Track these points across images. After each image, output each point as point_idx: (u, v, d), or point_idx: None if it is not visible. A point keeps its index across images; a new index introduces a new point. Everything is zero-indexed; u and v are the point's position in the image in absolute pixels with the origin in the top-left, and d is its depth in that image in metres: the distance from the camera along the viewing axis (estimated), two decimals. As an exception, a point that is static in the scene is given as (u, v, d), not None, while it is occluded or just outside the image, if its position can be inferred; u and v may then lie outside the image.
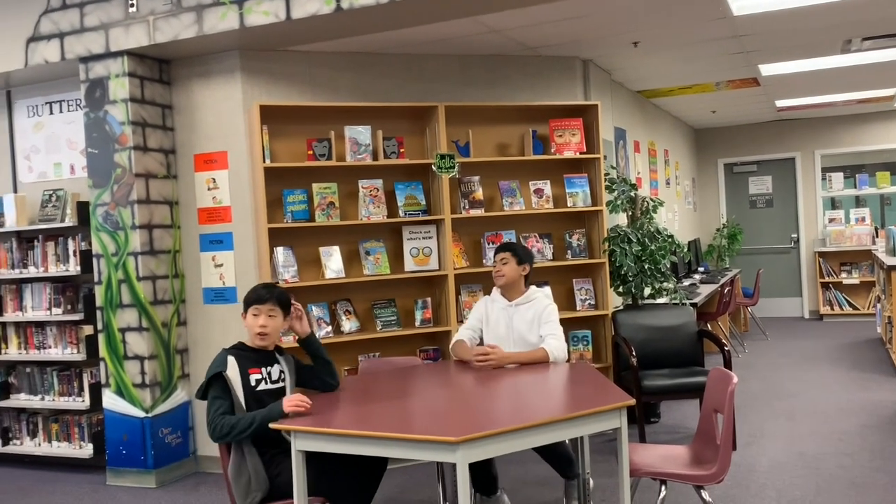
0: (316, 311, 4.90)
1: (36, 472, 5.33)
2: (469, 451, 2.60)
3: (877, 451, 4.69)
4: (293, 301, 3.40)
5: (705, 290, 7.39)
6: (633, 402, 2.95)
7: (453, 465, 2.65)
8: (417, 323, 5.13)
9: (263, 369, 3.25)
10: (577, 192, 5.49)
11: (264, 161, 4.70)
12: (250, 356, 3.26)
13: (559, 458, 3.82)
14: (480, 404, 3.21)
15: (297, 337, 3.47)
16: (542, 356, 3.76)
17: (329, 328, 4.91)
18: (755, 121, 10.88)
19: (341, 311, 4.99)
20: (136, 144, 4.88)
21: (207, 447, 5.06)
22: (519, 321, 3.98)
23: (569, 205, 5.47)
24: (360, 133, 4.96)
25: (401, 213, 5.09)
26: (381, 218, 5.01)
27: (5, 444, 5.51)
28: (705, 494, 3.17)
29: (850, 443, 4.90)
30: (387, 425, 2.83)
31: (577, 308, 5.48)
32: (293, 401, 3.02)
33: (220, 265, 5.04)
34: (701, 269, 9.49)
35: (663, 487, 3.20)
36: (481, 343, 4.05)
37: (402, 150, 5.09)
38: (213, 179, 5.04)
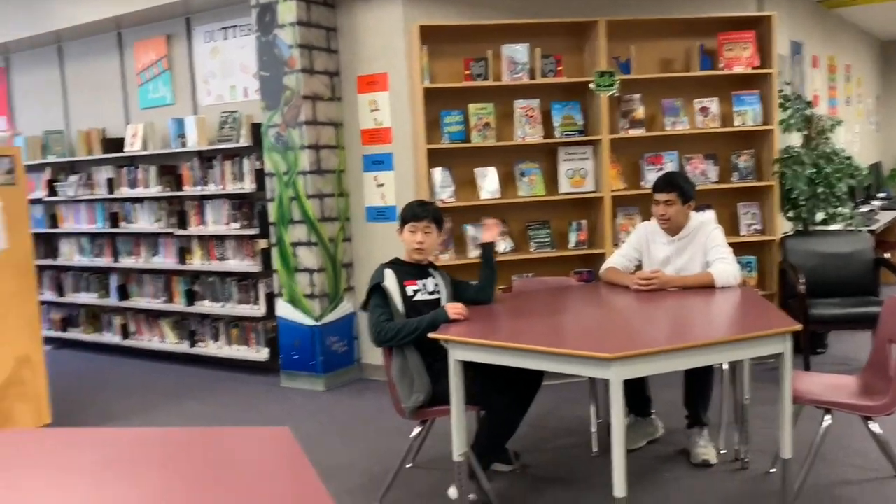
0: (471, 230, 5.00)
1: (219, 371, 5.88)
2: (623, 368, 2.62)
3: None
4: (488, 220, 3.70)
5: (885, 218, 6.85)
6: (799, 327, 2.83)
7: (606, 383, 2.67)
8: (571, 245, 5.13)
9: (419, 281, 3.39)
10: (746, 111, 5.19)
11: (423, 82, 4.77)
12: (406, 270, 3.40)
13: (703, 396, 3.72)
14: (636, 324, 3.20)
15: (480, 242, 3.68)
16: (708, 280, 3.61)
17: (484, 247, 4.99)
18: (957, 30, 9.75)
19: (497, 230, 5.06)
20: (303, 67, 5.09)
21: (371, 356, 5.37)
22: (682, 256, 3.79)
23: (736, 124, 5.19)
24: (518, 52, 4.91)
25: (557, 133, 5.03)
26: (536, 138, 4.98)
27: (192, 345, 6.10)
28: (874, 427, 3.03)
29: None
30: (541, 340, 2.89)
31: (742, 233, 5.26)
32: (456, 308, 3.15)
33: (382, 185, 5.23)
34: (881, 194, 8.78)
35: (827, 417, 3.08)
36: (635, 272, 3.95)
37: (559, 69, 5.00)
38: (375, 101, 5.18)
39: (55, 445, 2.16)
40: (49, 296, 7.00)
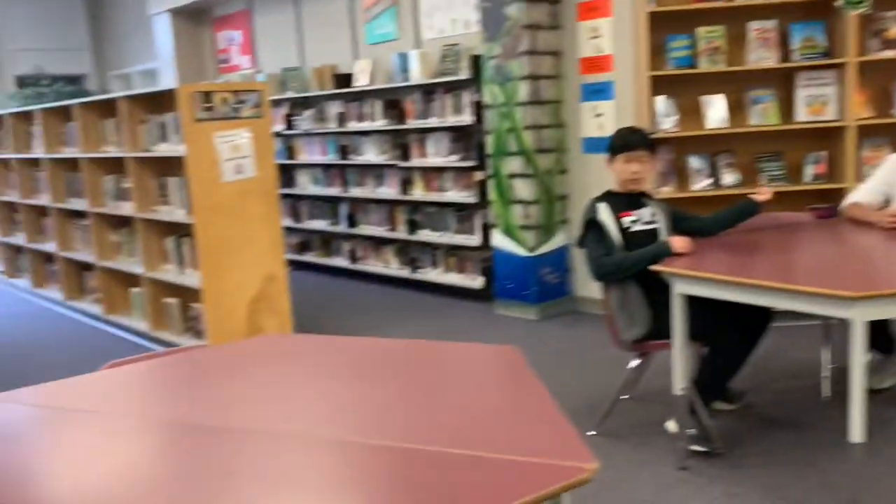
0: (695, 162, 4.79)
1: (437, 297, 6.17)
2: (867, 308, 2.43)
3: None
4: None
5: None
6: None
7: (843, 325, 2.50)
8: (807, 179, 4.76)
9: (635, 212, 3.30)
10: None
11: (649, 5, 4.57)
12: (620, 201, 3.31)
13: None
14: (882, 264, 2.94)
15: (751, 197, 3.49)
16: None
17: (709, 181, 4.78)
18: None
19: (722, 163, 4.81)
20: (524, -4, 5.06)
21: (584, 288, 5.38)
22: None
23: None
24: (755, -32, 4.55)
25: (795, 56, 4.64)
26: (771, 63, 4.63)
27: (413, 271, 6.43)
28: None
29: None
30: (773, 276, 2.74)
31: None
32: (682, 241, 3.06)
33: (600, 115, 5.13)
34: None
35: None
36: (883, 208, 3.61)
37: (802, -15, 4.57)
38: (596, 28, 5.05)
39: (307, 348, 2.40)
40: (287, 222, 7.65)
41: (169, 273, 5.13)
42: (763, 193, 3.46)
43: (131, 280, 5.65)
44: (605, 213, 3.26)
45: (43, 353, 5.40)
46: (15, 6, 10.42)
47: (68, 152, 6.14)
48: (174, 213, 4.92)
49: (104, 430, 1.82)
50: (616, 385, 3.43)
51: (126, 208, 5.39)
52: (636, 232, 3.28)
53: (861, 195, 3.64)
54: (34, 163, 6.81)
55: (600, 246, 3.21)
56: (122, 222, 5.71)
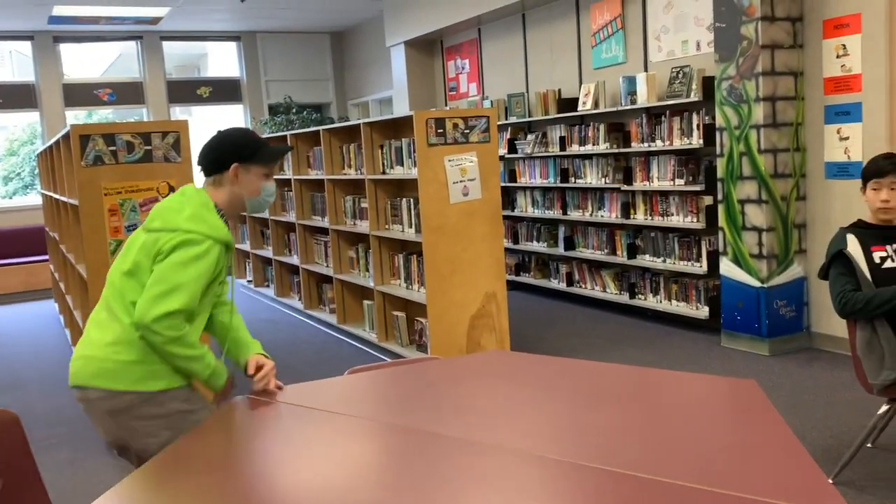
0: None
1: (656, 324, 6.00)
2: None
3: None
4: None
5: None
6: None
7: None
8: None
9: (889, 247, 3.03)
10: None
11: (908, 19, 4.19)
12: (872, 233, 3.06)
13: None
14: None
15: None
16: None
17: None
18: None
19: None
20: (763, 14, 4.83)
21: (823, 324, 4.99)
22: None
23: None
24: None
25: None
26: None
27: (632, 297, 6.31)
28: None
29: None
30: None
31: None
32: None
33: (846, 138, 4.76)
34: None
35: None
36: None
37: None
38: (843, 46, 4.71)
39: (530, 366, 2.45)
40: (506, 243, 7.82)
41: (398, 288, 5.44)
42: None
43: (364, 293, 6.07)
44: (853, 245, 3.02)
45: (285, 356, 5.92)
46: (270, 42, 11.60)
47: (314, 174, 6.73)
48: (405, 231, 5.22)
49: (345, 430, 1.98)
50: (858, 431, 3.16)
51: (362, 226, 5.80)
52: (889, 269, 3.01)
53: None
54: (285, 183, 7.52)
55: (848, 280, 2.98)
56: (359, 239, 6.14)
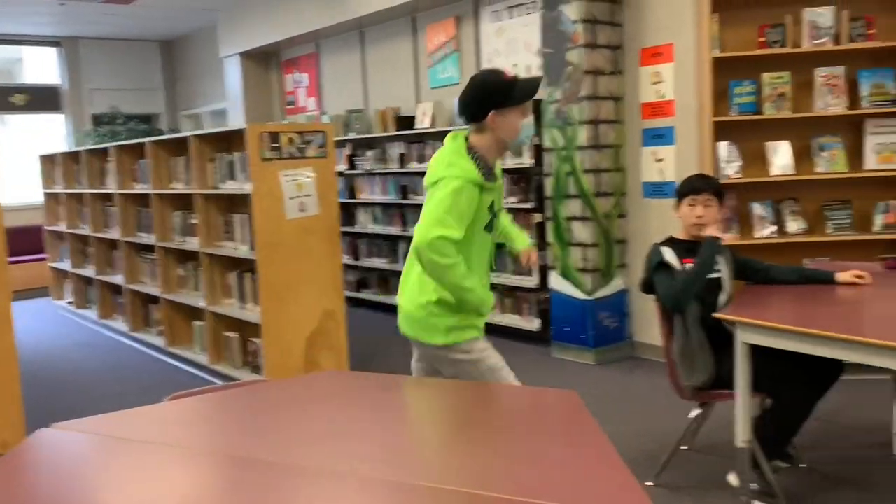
0: (759, 209, 4.71)
1: (493, 338, 6.10)
2: (944, 364, 2.34)
3: None
4: None
5: None
6: None
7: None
8: (877, 228, 4.63)
9: (698, 259, 3.27)
10: None
11: (713, 51, 4.55)
12: (684, 247, 3.29)
13: None
14: (959, 318, 2.83)
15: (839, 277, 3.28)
16: None
17: (773, 228, 4.69)
18: None
19: (787, 210, 4.72)
20: (586, 42, 5.10)
21: (643, 333, 5.30)
22: None
23: None
24: (822, 15, 4.51)
25: (864, 103, 4.56)
26: (839, 109, 4.55)
27: (470, 312, 6.42)
28: None
29: None
30: (839, 326, 2.66)
31: None
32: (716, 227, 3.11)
33: (661, 160, 5.10)
34: None
35: None
36: None
37: (870, 32, 4.51)
38: (658, 73, 5.06)
39: (364, 386, 2.42)
40: (346, 259, 7.75)
41: (231, 307, 5.24)
42: (850, 278, 3.28)
43: (194, 313, 5.79)
44: (670, 257, 3.23)
45: (107, 382, 5.54)
46: (94, 49, 10.93)
47: (139, 188, 6.37)
48: (238, 248, 5.04)
49: (164, 461, 1.86)
50: (675, 435, 3.36)
51: (192, 243, 5.55)
52: (699, 280, 3.24)
53: None
54: (107, 198, 7.07)
55: (672, 281, 3.18)
56: (188, 257, 5.87)
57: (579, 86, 5.15)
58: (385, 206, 7.38)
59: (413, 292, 2.76)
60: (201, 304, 5.46)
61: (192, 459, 1.87)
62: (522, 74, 5.85)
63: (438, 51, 6.70)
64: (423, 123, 6.66)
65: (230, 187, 5.08)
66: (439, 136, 6.62)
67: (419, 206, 6.82)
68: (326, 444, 1.89)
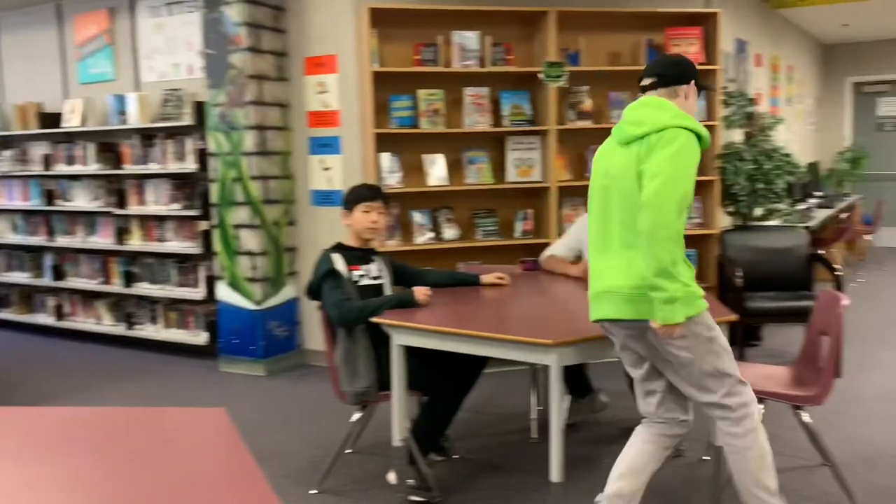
0: (418, 217, 4.98)
1: (156, 354, 5.75)
2: (563, 353, 2.64)
3: None
4: None
5: (821, 215, 7.05)
6: (734, 317, 2.89)
7: (548, 369, 2.69)
8: (518, 234, 5.15)
9: (363, 266, 3.36)
10: (690, 106, 5.27)
11: (372, 65, 4.72)
12: (351, 254, 3.37)
13: None
14: (577, 312, 3.22)
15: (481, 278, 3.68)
16: None
17: (431, 234, 4.99)
18: (891, 36, 10.07)
19: (443, 218, 5.06)
20: (250, 45, 4.99)
21: (313, 341, 5.32)
22: None
23: (680, 119, 5.26)
24: (468, 39, 4.89)
25: (506, 122, 5.04)
26: (485, 127, 4.98)
27: (129, 327, 5.95)
28: (805, 416, 3.11)
29: (966, 379, 4.68)
30: (484, 326, 2.89)
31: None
32: (424, 291, 3.18)
33: (328, 168, 5.17)
34: (819, 193, 9.03)
35: (760, 406, 3.15)
36: (576, 262, 3.99)
37: (509, 58, 5.00)
38: (323, 83, 5.11)
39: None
40: (-21, 274, 6.75)
41: None
42: (493, 279, 3.65)
43: None
44: (340, 264, 3.27)
45: None
46: None
47: None
48: None
49: None
50: (341, 439, 3.39)
51: None
52: (364, 286, 3.32)
53: (556, 249, 4.00)
54: None
55: (341, 291, 3.20)
56: None
57: (244, 90, 5.02)
58: (27, 214, 6.55)
59: (637, 268, 2.43)
60: None
61: None
62: (184, 75, 5.58)
63: (89, 43, 6.11)
64: (71, 122, 6.02)
65: None
66: (92, 136, 6.04)
67: (68, 214, 6.18)
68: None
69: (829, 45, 10.65)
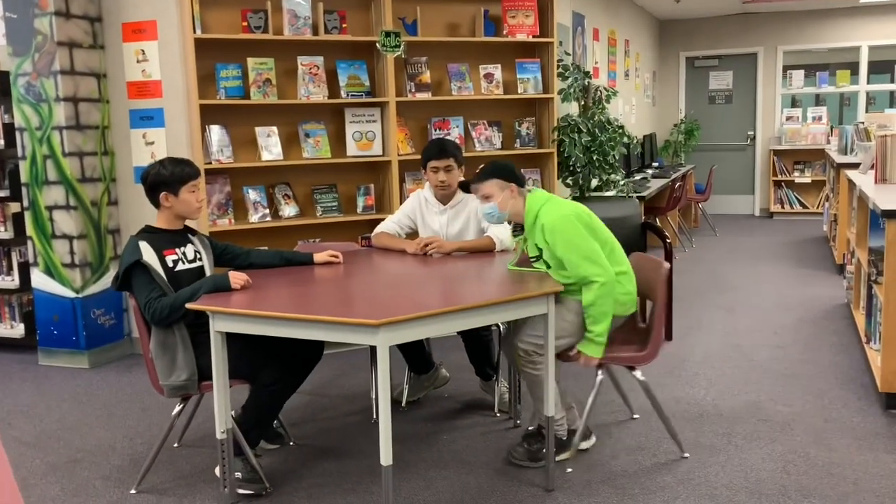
0: (252, 194, 4.74)
1: (-34, 351, 5.22)
2: (390, 333, 2.54)
3: (809, 344, 4.79)
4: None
5: (656, 185, 7.35)
6: (561, 288, 2.90)
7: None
8: (359, 209, 5.02)
9: (178, 249, 3.12)
10: (528, 79, 5.30)
11: (195, 32, 4.41)
12: (163, 237, 3.12)
13: (482, 354, 3.81)
14: (410, 289, 3.14)
15: (314, 257, 3.53)
16: (488, 243, 3.65)
17: (266, 212, 4.76)
18: (720, 13, 10.62)
19: (280, 195, 4.84)
20: (57, 10, 4.54)
21: (142, 329, 4.97)
22: (456, 224, 3.79)
23: (519, 91, 5.29)
24: (299, 5, 4.67)
25: (343, 93, 4.87)
26: (321, 98, 4.79)
27: (-66, 323, 5.36)
28: (638, 374, 3.19)
29: (784, 336, 4.99)
30: (311, 308, 2.75)
31: (524, 198, 5.39)
32: (239, 276, 2.96)
33: (152, 143, 4.81)
34: (655, 164, 9.44)
35: (599, 372, 3.20)
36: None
37: (344, 26, 4.82)
38: (143, 51, 4.74)
39: None
40: None
41: None
42: (326, 258, 3.51)
43: None
44: (147, 253, 2.99)
45: None
46: None
47: None
48: None
49: None
50: (162, 435, 3.16)
51: None
52: (181, 272, 3.08)
53: (388, 225, 3.91)
54: None
55: (152, 288, 2.93)
56: None
57: (52, 58, 4.57)
58: None
59: None
60: None
61: None
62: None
63: None
64: None
65: None
66: None
67: None
68: None
69: (664, 20, 11.10)
